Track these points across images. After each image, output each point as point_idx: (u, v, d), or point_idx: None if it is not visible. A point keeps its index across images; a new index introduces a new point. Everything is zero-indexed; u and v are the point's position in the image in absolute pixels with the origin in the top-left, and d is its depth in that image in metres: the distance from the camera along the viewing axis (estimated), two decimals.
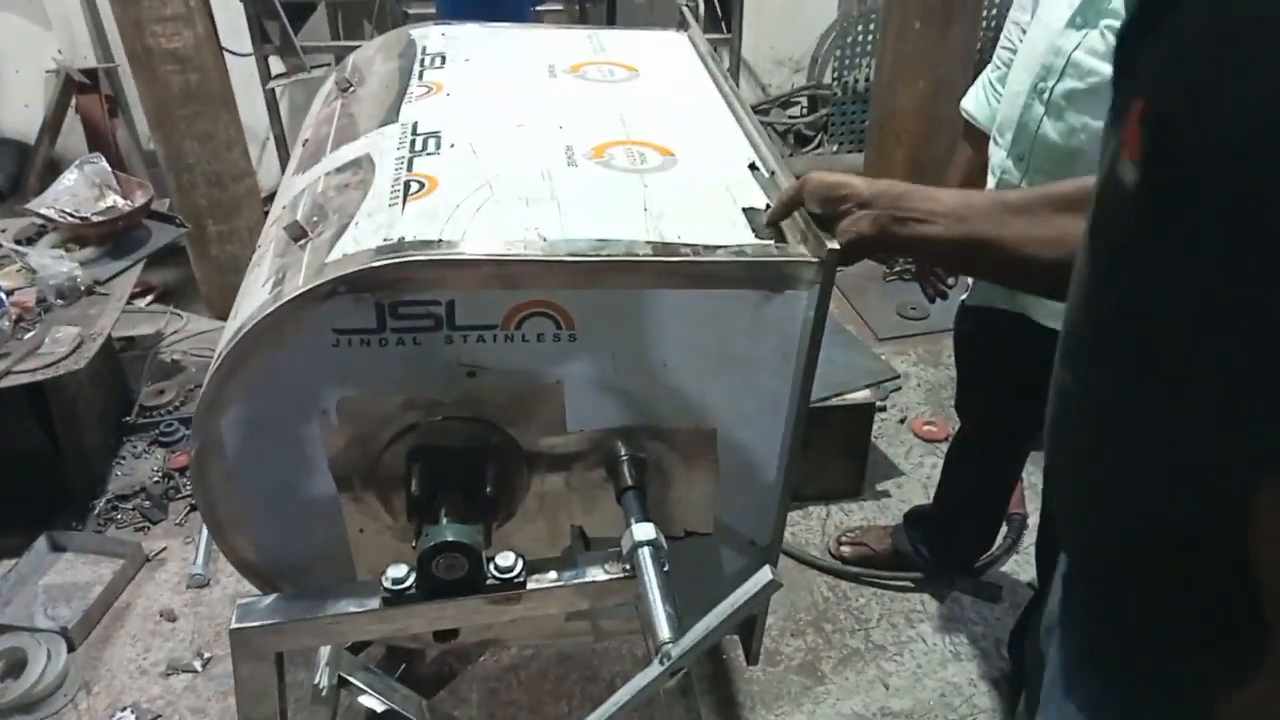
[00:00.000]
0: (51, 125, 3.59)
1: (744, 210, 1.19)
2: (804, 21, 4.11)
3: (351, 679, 1.85)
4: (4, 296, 2.28)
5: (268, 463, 1.16)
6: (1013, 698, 2.05)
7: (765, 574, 0.96)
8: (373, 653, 1.96)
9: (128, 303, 3.02)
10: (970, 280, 1.72)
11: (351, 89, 1.57)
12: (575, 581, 1.13)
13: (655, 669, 0.99)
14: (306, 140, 1.52)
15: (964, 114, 1.71)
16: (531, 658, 2.13)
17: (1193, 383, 0.63)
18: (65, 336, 2.31)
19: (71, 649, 2.15)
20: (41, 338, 2.30)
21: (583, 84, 1.54)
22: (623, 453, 1.22)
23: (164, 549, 2.43)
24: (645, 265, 1.08)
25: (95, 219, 2.61)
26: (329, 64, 3.32)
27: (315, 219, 1.20)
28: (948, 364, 3.07)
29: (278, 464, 1.17)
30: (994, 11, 3.88)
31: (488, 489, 1.15)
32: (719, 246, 1.11)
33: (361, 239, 1.09)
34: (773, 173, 1.29)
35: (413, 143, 1.30)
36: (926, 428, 2.85)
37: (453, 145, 1.30)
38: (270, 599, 1.12)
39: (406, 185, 1.19)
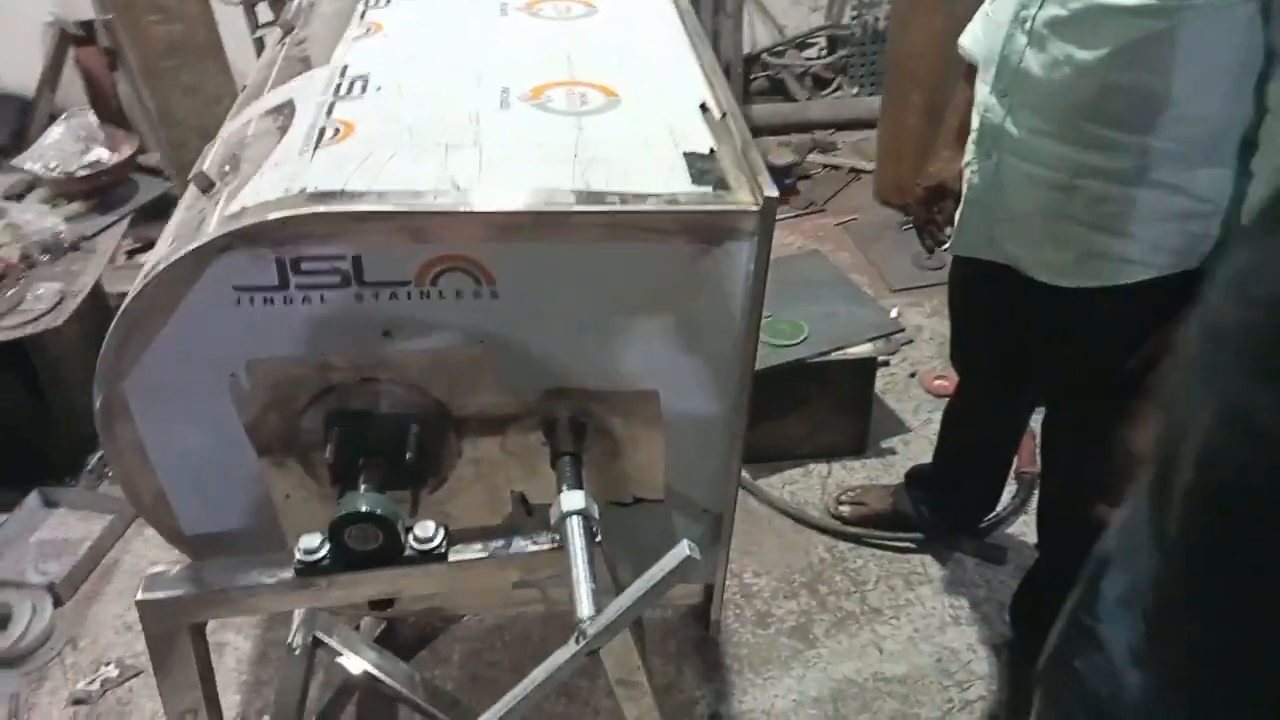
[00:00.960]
0: (49, 79, 3.56)
1: (685, 155, 1.10)
2: None
3: (327, 639, 1.83)
4: None
5: (181, 428, 1.11)
6: (1013, 664, 1.96)
7: (682, 549, 0.88)
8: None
9: (127, 258, 3.01)
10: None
11: (294, 31, 1.49)
12: (501, 553, 1.06)
13: (571, 648, 0.93)
14: (245, 87, 1.45)
15: (961, 51, 1.58)
16: (516, 618, 2.09)
17: None
18: (47, 293, 2.28)
19: (59, 604, 2.15)
20: (23, 294, 2.27)
21: (535, 22, 1.44)
22: (560, 416, 1.15)
23: None
24: (567, 216, 0.99)
25: (80, 173, 2.57)
26: None
27: (227, 168, 1.13)
28: None
29: (191, 429, 1.11)
30: None
31: (408, 454, 1.08)
32: (649, 195, 1.02)
33: (263, 190, 1.02)
34: (724, 114, 1.19)
35: (338, 87, 1.22)
36: (937, 382, 2.73)
37: (379, 89, 1.21)
38: (180, 569, 1.07)
39: (321, 132, 1.11)
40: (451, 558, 1.05)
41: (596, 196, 1.01)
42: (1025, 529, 2.26)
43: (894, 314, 2.88)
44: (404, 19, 1.43)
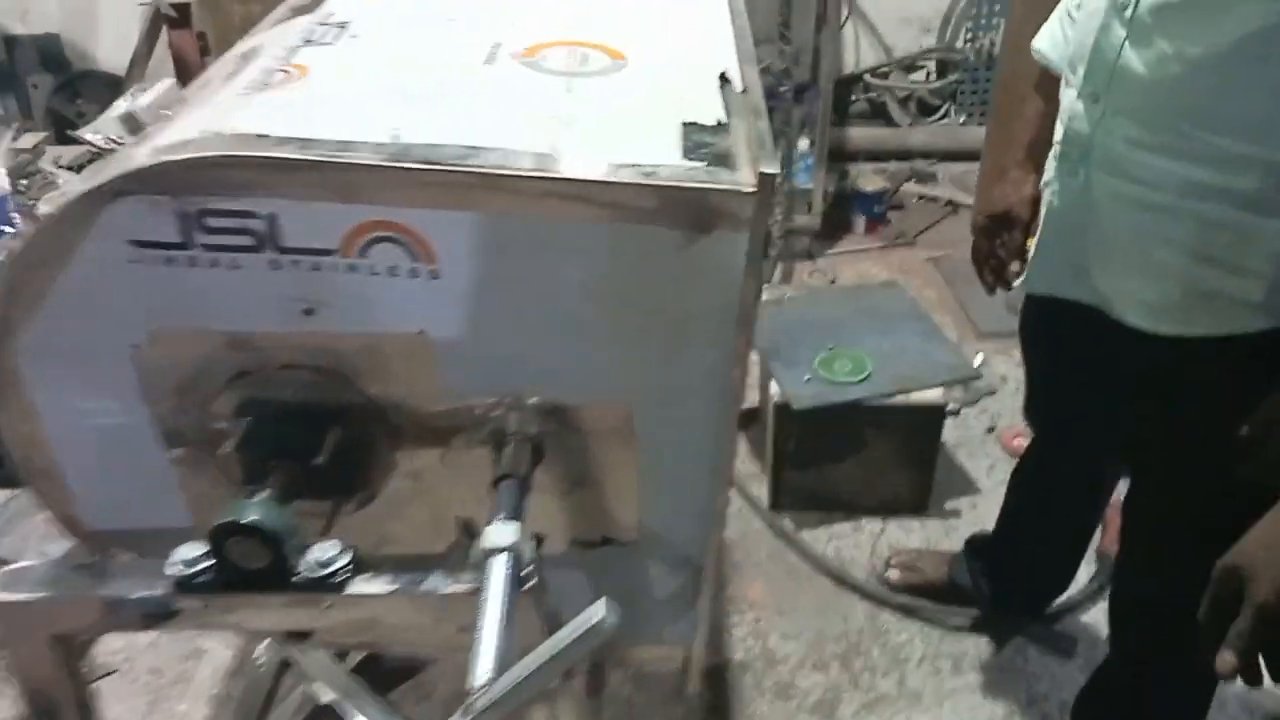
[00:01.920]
0: (141, 59, 3.58)
1: (684, 125, 0.90)
2: None
3: (299, 659, 1.67)
4: (15, 216, 2.20)
5: (77, 402, 0.96)
6: None
7: (599, 609, 0.68)
8: None
9: None
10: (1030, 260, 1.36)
11: None
12: (409, 590, 0.88)
13: None
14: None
15: (1036, 55, 1.34)
16: None
17: None
18: None
19: None
20: None
21: None
22: (511, 430, 0.96)
23: None
24: (512, 181, 0.81)
25: None
26: None
27: (165, 112, 0.99)
28: None
29: (90, 404, 0.96)
30: None
31: (319, 458, 0.91)
32: (627, 165, 0.83)
33: (182, 131, 0.87)
34: (745, 90, 0.99)
35: (311, 31, 1.07)
36: (1018, 441, 2.44)
37: (355, 36, 1.06)
38: (47, 565, 0.92)
39: (271, 75, 0.96)
40: (350, 590, 0.87)
41: (557, 161, 0.83)
42: (1101, 618, 1.95)
43: (976, 360, 2.61)
44: None
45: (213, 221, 0.84)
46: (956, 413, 2.48)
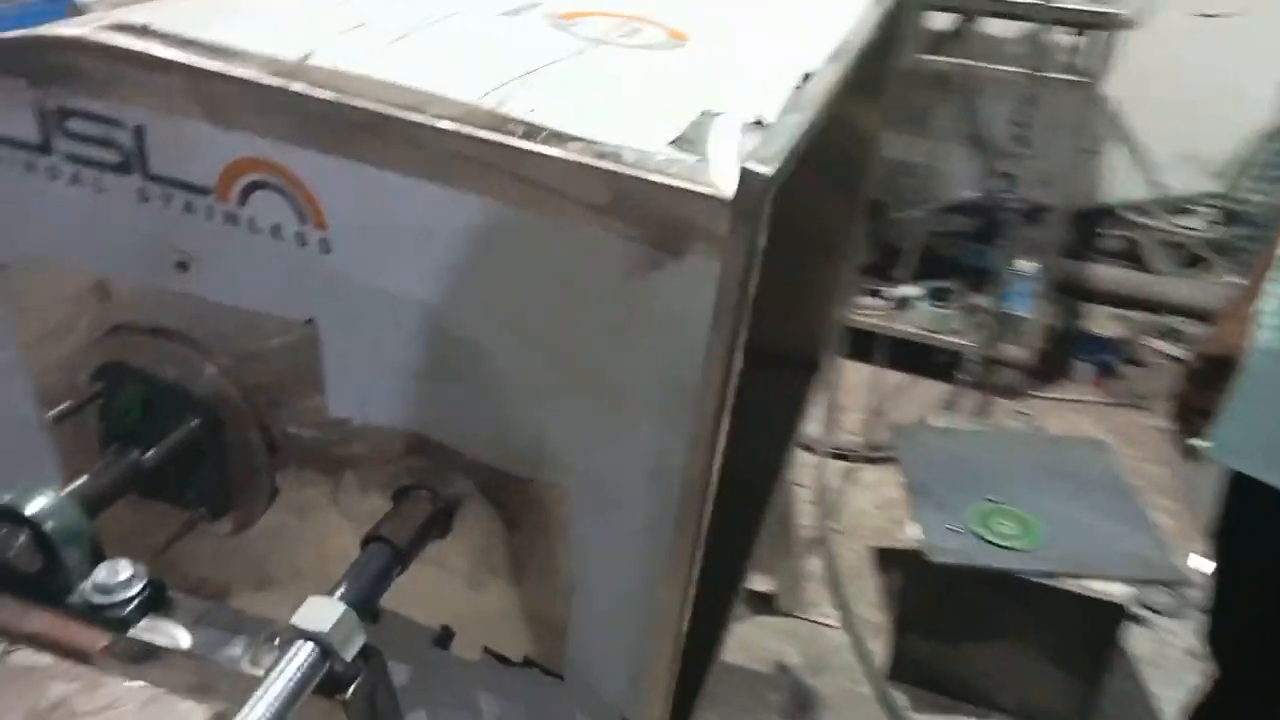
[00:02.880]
0: None
1: (701, 114, 0.64)
2: (1232, 114, 3.16)
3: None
4: None
5: None
6: None
7: None
8: None
9: None
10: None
11: None
12: (198, 655, 0.64)
13: None
14: None
15: None
16: None
17: None
18: None
19: None
20: None
21: None
22: (412, 480, 0.72)
23: None
24: (412, 130, 0.58)
25: None
26: None
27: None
28: None
29: None
30: None
31: (147, 453, 0.70)
32: (576, 138, 0.58)
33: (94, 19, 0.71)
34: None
35: None
36: None
37: None
38: None
39: None
40: (133, 631, 0.65)
41: (499, 120, 0.59)
42: None
43: (1190, 561, 2.08)
44: None
45: (75, 125, 0.67)
46: (1140, 620, 1.97)
